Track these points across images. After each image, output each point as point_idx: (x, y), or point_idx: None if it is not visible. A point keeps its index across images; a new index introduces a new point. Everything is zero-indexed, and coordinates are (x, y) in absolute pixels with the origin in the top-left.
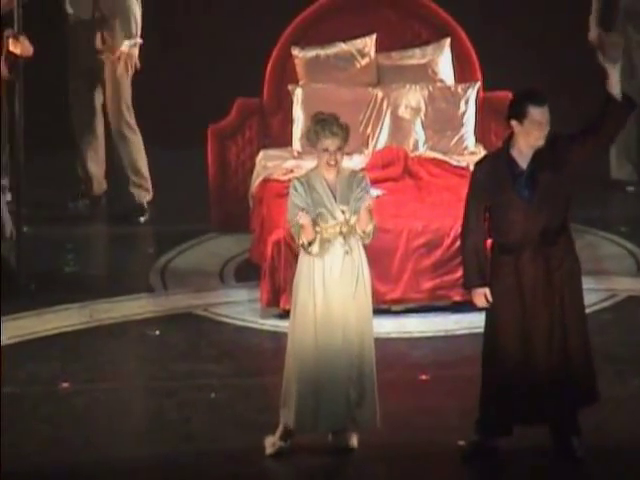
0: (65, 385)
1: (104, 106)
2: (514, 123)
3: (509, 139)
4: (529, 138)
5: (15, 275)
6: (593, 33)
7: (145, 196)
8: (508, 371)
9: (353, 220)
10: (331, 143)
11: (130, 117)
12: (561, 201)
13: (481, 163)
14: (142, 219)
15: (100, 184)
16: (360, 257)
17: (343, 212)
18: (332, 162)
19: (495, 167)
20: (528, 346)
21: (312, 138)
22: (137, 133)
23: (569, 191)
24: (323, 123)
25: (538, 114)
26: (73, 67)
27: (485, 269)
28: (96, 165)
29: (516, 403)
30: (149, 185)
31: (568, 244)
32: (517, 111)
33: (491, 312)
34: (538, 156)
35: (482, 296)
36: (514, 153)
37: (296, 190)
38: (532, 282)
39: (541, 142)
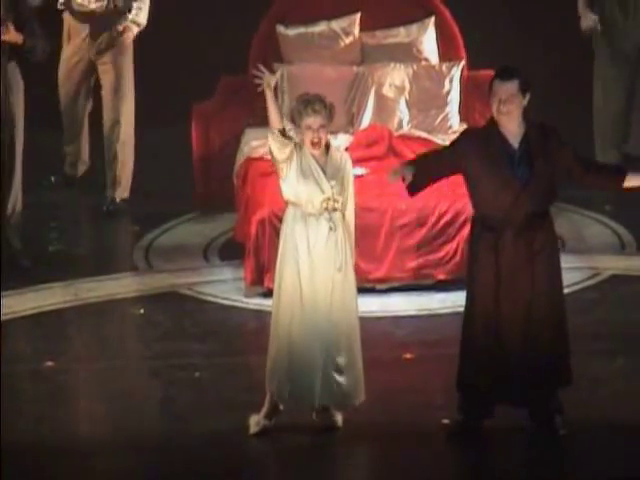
0: (50, 364)
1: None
2: (490, 101)
3: (493, 117)
4: (495, 113)
5: (17, 253)
6: (587, 20)
7: (122, 194)
8: (483, 350)
9: (338, 197)
10: (313, 121)
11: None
12: (550, 186)
13: (469, 134)
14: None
15: (84, 164)
16: (344, 233)
17: (332, 187)
18: (316, 140)
19: (486, 143)
20: (503, 327)
21: (296, 117)
22: (132, 137)
23: (554, 180)
24: (306, 102)
25: (499, 89)
26: (69, 69)
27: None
28: (82, 146)
29: (493, 383)
30: (129, 184)
31: (550, 230)
32: (489, 88)
33: (469, 289)
34: (529, 138)
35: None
36: (505, 132)
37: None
38: (510, 262)
39: (506, 120)
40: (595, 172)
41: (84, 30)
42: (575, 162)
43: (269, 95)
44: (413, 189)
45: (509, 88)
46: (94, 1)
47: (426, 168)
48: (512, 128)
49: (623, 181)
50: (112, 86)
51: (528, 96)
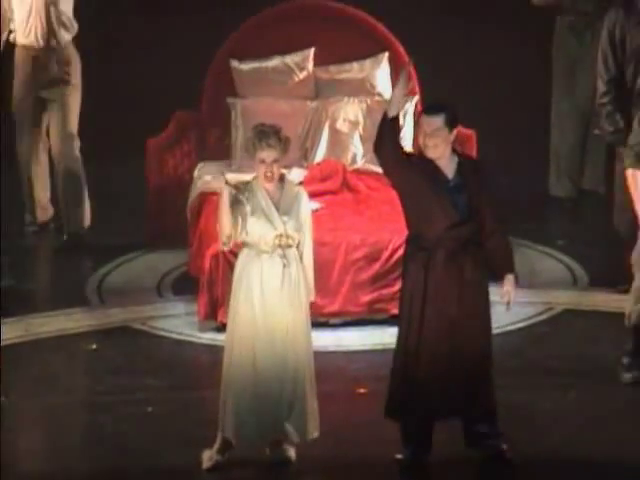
0: (2, 399)
1: (47, 134)
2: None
3: None
4: (422, 146)
5: None
6: None
7: (82, 227)
8: (404, 367)
9: (292, 233)
10: (267, 155)
11: (76, 148)
12: (479, 217)
13: (412, 157)
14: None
15: (45, 210)
16: (298, 270)
17: (284, 223)
18: (269, 174)
19: (423, 169)
20: (425, 346)
21: (250, 149)
22: (80, 164)
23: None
24: (261, 135)
25: (424, 122)
26: (20, 99)
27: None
28: (42, 192)
29: (415, 403)
30: (86, 214)
31: (482, 260)
32: (417, 122)
33: (400, 307)
34: (462, 169)
35: None
36: (438, 162)
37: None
38: (439, 283)
39: (432, 153)
40: (490, 241)
41: (28, 66)
42: (487, 207)
43: (224, 207)
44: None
45: (434, 122)
46: (35, 38)
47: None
48: (443, 161)
49: (501, 276)
50: (58, 123)
51: (455, 131)
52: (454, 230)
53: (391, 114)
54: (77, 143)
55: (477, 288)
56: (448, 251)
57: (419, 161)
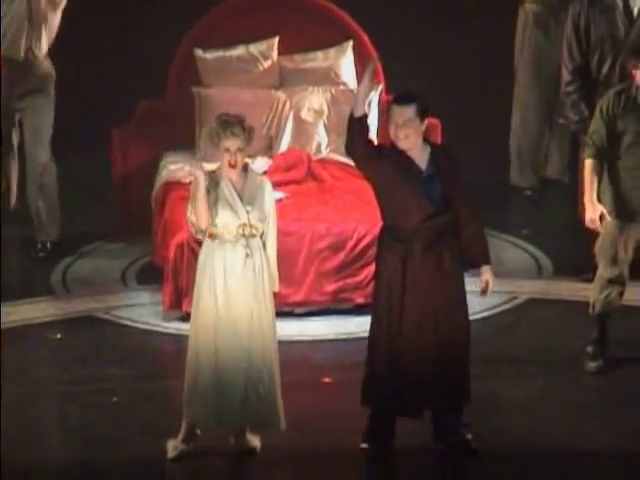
0: None
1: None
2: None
3: None
4: (393, 137)
5: None
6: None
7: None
8: (382, 362)
9: (255, 222)
10: (232, 144)
11: (49, 158)
12: (453, 207)
13: (384, 148)
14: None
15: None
16: (261, 260)
17: (247, 212)
18: (233, 162)
19: (396, 161)
20: (403, 336)
21: (214, 138)
22: (54, 175)
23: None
24: (225, 124)
25: (395, 113)
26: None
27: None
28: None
29: (391, 394)
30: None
31: (458, 249)
32: (386, 113)
33: (375, 296)
34: (435, 159)
35: None
36: (410, 153)
37: (202, 179)
38: (417, 274)
39: (404, 144)
40: (465, 232)
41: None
42: (460, 196)
43: (201, 194)
44: (357, 133)
45: (405, 113)
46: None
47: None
48: (414, 151)
49: (477, 266)
50: (33, 129)
51: (426, 121)
52: (430, 221)
53: (358, 113)
54: (49, 155)
55: (455, 277)
56: (425, 242)
57: (391, 153)
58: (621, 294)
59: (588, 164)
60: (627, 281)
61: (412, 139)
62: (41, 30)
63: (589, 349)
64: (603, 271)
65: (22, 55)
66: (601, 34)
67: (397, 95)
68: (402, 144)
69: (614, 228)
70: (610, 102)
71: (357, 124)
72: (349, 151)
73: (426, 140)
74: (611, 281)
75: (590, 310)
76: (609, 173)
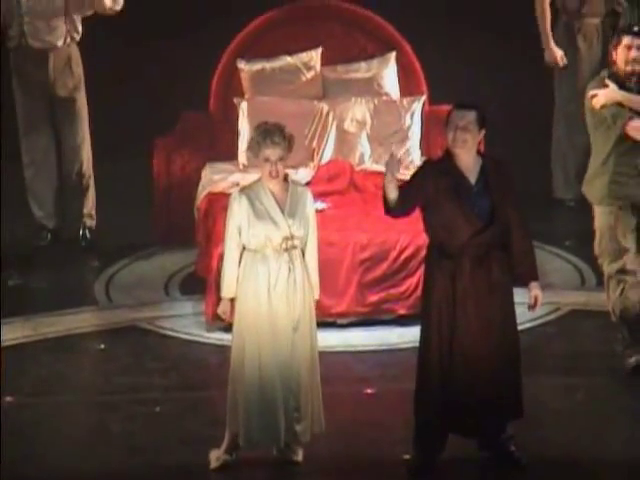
0: (9, 399)
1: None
2: (446, 131)
3: (449, 150)
4: (450, 143)
5: None
6: (553, 54)
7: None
8: (434, 380)
9: (297, 234)
10: (272, 153)
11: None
12: (503, 222)
13: (427, 165)
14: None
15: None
16: (302, 270)
17: (289, 225)
18: (274, 173)
19: (444, 175)
20: (456, 354)
21: (254, 148)
22: (91, 162)
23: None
24: (265, 133)
25: (456, 117)
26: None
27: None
28: (48, 193)
29: (445, 413)
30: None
31: (507, 263)
32: (446, 119)
33: (424, 315)
34: (486, 172)
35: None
36: (461, 165)
37: (235, 205)
38: (467, 291)
39: (460, 148)
40: (515, 247)
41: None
42: (512, 210)
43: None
44: (393, 209)
45: (467, 116)
46: (55, 35)
47: (403, 195)
48: (467, 160)
49: (525, 282)
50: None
51: (483, 131)
52: (478, 237)
53: (391, 200)
54: (88, 140)
55: (504, 292)
56: (474, 258)
57: (441, 167)
58: (636, 288)
59: None
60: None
61: (469, 144)
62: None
63: (622, 350)
64: (609, 268)
65: (61, 43)
66: None
67: (458, 102)
68: (459, 147)
69: (610, 219)
70: (600, 88)
71: (390, 204)
72: (390, 214)
73: (479, 153)
74: (619, 273)
75: (612, 317)
76: (602, 158)
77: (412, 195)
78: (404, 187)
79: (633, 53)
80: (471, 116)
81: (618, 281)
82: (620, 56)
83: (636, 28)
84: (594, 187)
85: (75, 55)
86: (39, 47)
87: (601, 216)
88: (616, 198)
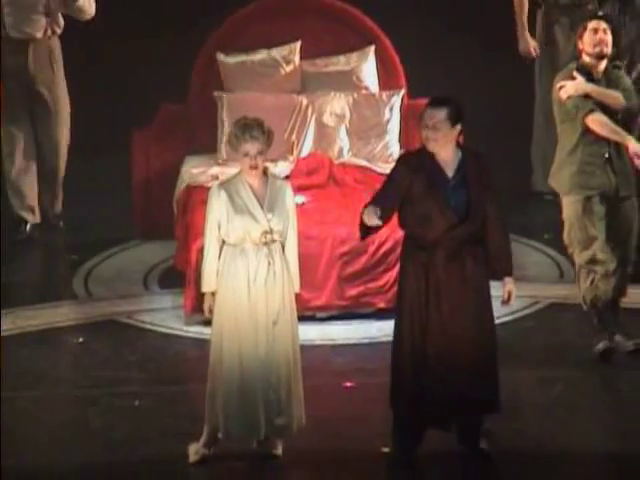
0: None
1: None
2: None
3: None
4: (424, 140)
5: None
6: (525, 44)
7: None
8: (408, 373)
9: (277, 228)
10: (251, 147)
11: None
12: (480, 216)
13: (404, 159)
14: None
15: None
16: (282, 263)
17: (268, 219)
18: (253, 166)
19: (420, 168)
20: (429, 347)
21: (233, 142)
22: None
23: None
24: (244, 128)
25: (427, 115)
26: (11, 106)
27: (379, 207)
28: (30, 189)
29: (420, 407)
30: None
31: (482, 259)
32: (420, 116)
33: (398, 306)
34: (465, 166)
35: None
36: (438, 159)
37: (214, 199)
38: (440, 283)
39: (432, 147)
40: (492, 242)
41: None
42: (490, 204)
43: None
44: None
45: (436, 115)
46: (35, 27)
47: (383, 206)
48: (444, 154)
49: (499, 277)
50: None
51: (459, 126)
52: (453, 231)
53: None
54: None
55: (478, 287)
56: (448, 251)
57: (419, 159)
58: (606, 277)
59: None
60: (610, 265)
61: (440, 142)
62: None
63: (594, 340)
64: (579, 258)
65: (40, 35)
66: (631, 39)
67: (431, 99)
68: (431, 146)
69: (579, 209)
70: (568, 79)
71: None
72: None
73: (460, 146)
74: (590, 263)
75: (583, 306)
76: (569, 148)
77: (391, 200)
78: (381, 194)
79: (600, 35)
80: (441, 115)
81: (589, 271)
82: (587, 40)
83: (601, 12)
84: (562, 178)
85: (56, 48)
86: (18, 38)
87: (569, 206)
88: (584, 188)
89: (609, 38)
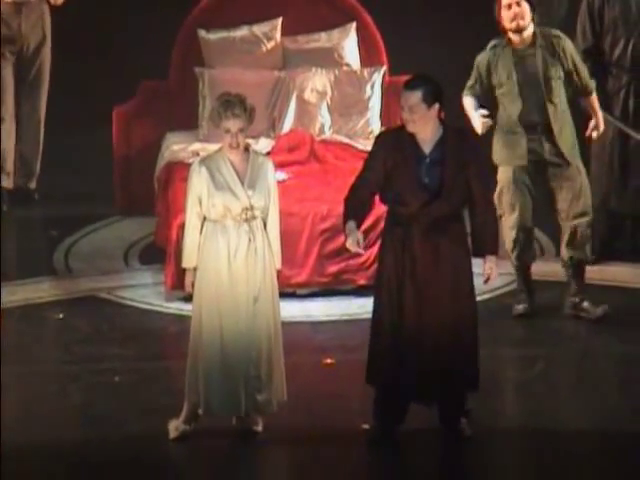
0: None
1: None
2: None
3: None
4: (404, 120)
5: None
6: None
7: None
8: (386, 346)
9: (257, 205)
10: (232, 124)
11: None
12: (461, 192)
13: (382, 137)
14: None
15: (9, 176)
16: (263, 240)
17: (249, 196)
18: (234, 144)
19: (398, 145)
20: (406, 320)
21: (215, 118)
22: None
23: (465, 187)
24: (226, 104)
25: (403, 97)
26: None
27: (360, 215)
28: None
29: (398, 380)
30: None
31: (461, 234)
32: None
33: (377, 280)
34: (444, 143)
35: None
36: (417, 137)
37: (194, 175)
38: (415, 259)
39: (411, 128)
40: (477, 218)
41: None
42: (473, 181)
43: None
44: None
45: (410, 98)
46: None
47: (364, 202)
48: (423, 132)
49: (480, 255)
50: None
51: (437, 105)
52: (428, 207)
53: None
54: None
55: (456, 264)
56: (423, 227)
57: (398, 135)
58: (528, 241)
59: (466, 100)
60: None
61: (419, 124)
62: None
63: (513, 300)
64: (508, 220)
65: None
66: (615, 16)
67: (407, 80)
68: (409, 127)
69: (509, 175)
70: (486, 56)
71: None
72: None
73: (442, 123)
74: (517, 226)
75: (511, 262)
76: (497, 123)
77: (370, 185)
78: (360, 181)
79: (513, 9)
80: (416, 97)
81: (517, 232)
82: (504, 16)
83: None
84: (495, 151)
85: (46, 13)
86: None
87: (503, 172)
88: (512, 158)
89: (524, 9)
